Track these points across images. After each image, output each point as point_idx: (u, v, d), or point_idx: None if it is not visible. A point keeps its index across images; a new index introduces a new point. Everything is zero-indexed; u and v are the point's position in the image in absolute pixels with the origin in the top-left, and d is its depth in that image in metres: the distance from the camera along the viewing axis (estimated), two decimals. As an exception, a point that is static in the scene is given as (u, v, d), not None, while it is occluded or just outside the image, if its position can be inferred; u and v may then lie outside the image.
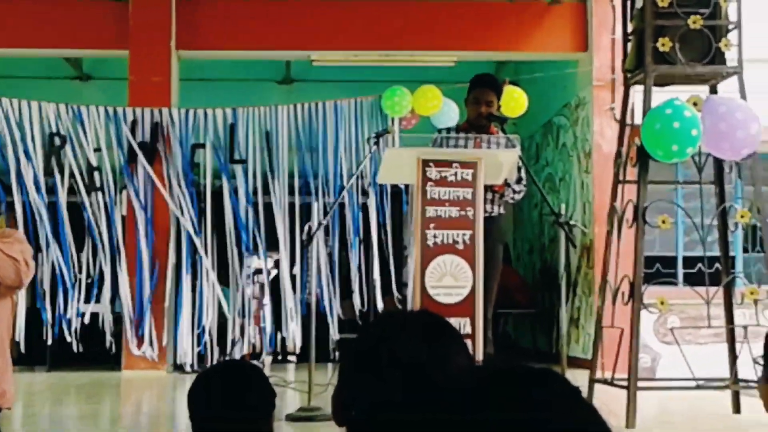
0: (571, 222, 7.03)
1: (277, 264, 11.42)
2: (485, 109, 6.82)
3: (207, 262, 10.22)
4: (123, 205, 10.31)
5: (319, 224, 7.11)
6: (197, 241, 10.22)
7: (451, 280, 5.72)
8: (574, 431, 1.17)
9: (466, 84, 7.16)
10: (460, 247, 5.78)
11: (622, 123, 6.55)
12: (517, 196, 6.92)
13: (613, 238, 6.23)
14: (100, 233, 10.24)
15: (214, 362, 10.07)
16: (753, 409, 5.97)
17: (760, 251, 6.77)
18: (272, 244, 10.54)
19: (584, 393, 1.20)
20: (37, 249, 9.69)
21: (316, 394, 6.46)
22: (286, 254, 10.36)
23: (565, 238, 6.62)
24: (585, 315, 10.58)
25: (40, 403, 8.20)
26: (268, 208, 10.37)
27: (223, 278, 10.52)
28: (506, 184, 6.73)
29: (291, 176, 10.48)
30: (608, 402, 5.70)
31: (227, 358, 10.04)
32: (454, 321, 5.23)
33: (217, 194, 10.41)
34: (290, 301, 10.25)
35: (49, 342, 10.26)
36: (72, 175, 10.29)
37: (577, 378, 1.22)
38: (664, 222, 5.89)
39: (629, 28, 6.44)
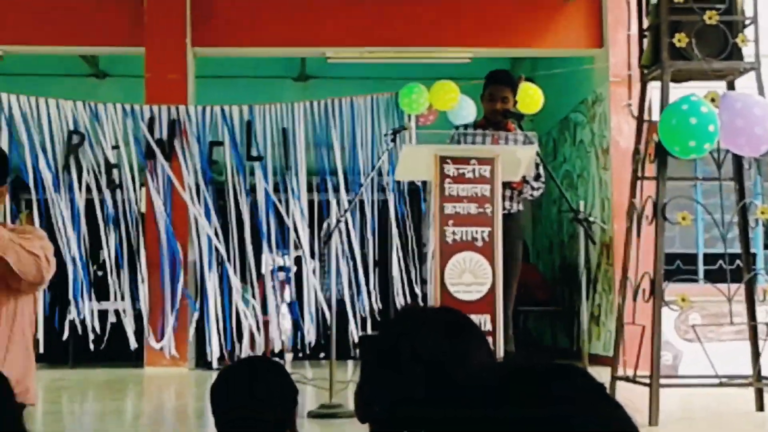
0: (590, 219, 7.01)
1: (297, 261, 11.43)
2: (500, 105, 6.81)
3: (226, 260, 10.24)
4: (142, 202, 10.34)
5: (338, 221, 7.10)
6: (216, 242, 10.23)
7: (470, 277, 5.71)
8: (599, 427, 1.16)
9: (482, 80, 7.15)
10: (479, 244, 5.77)
11: (640, 119, 6.52)
12: (536, 193, 6.91)
13: (632, 234, 6.20)
14: (119, 230, 10.28)
15: (236, 359, 10.10)
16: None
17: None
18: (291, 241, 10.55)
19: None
20: (56, 247, 9.71)
21: (337, 391, 6.47)
22: (307, 251, 10.38)
23: (584, 235, 6.60)
24: (605, 312, 10.55)
25: (63, 400, 8.24)
26: (287, 205, 10.39)
27: (244, 275, 10.53)
28: (524, 180, 6.71)
29: (308, 173, 10.49)
30: (631, 399, 5.66)
31: (249, 354, 10.05)
32: (474, 318, 5.22)
33: (237, 191, 10.43)
34: (311, 298, 10.29)
35: (64, 338, 10.30)
36: (90, 172, 10.33)
37: (599, 375, 1.21)
38: (684, 219, 5.86)
39: (645, 24, 6.41)
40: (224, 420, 2.62)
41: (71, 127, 10.37)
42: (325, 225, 7.89)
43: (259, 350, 10.39)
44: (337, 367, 6.83)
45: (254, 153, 10.44)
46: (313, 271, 10.40)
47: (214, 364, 10.08)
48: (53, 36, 10.78)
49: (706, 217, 7.83)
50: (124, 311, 10.35)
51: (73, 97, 10.66)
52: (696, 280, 8.44)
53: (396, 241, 10.30)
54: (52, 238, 9.86)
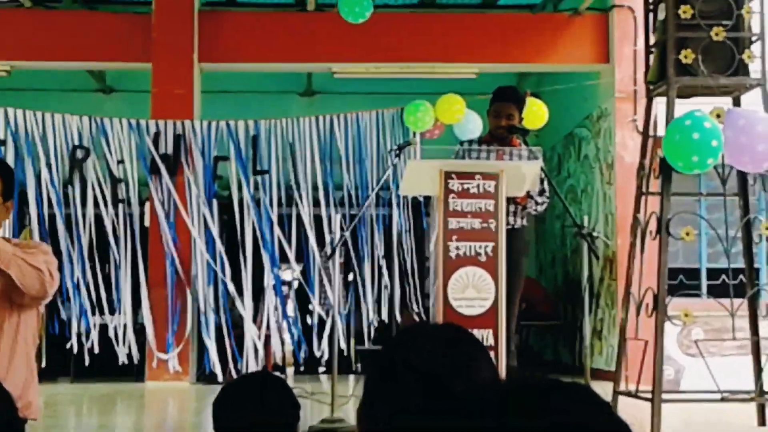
0: (594, 233, 7.01)
1: (301, 275, 11.45)
2: (505, 122, 6.81)
3: (226, 276, 10.24)
4: (146, 217, 10.36)
5: (342, 236, 7.11)
6: (208, 257, 10.24)
7: (473, 291, 5.71)
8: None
9: (488, 95, 7.16)
10: (483, 259, 5.77)
11: (645, 134, 6.53)
12: (540, 208, 6.91)
13: (636, 249, 6.20)
14: (123, 245, 10.29)
15: (234, 373, 10.10)
16: (778, 422, 5.94)
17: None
18: (296, 256, 10.57)
19: (608, 406, 1.20)
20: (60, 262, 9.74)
21: (338, 406, 6.46)
22: (313, 265, 10.40)
23: (587, 250, 6.60)
24: (608, 327, 10.53)
25: (64, 414, 8.23)
26: (291, 219, 10.41)
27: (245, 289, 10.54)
28: (529, 196, 6.72)
29: (314, 188, 10.51)
30: (633, 414, 5.67)
31: (250, 369, 10.05)
32: (476, 333, 5.22)
33: (242, 206, 10.45)
34: (314, 313, 10.32)
35: (68, 347, 10.30)
36: (95, 186, 10.35)
37: (601, 390, 1.22)
38: (687, 234, 5.87)
39: (651, 40, 6.42)
40: (227, 435, 2.63)
41: (77, 142, 10.40)
42: (328, 239, 7.89)
43: (260, 364, 10.38)
44: (339, 381, 6.83)
45: (260, 167, 10.45)
46: (319, 285, 10.42)
47: (219, 377, 10.07)
48: (61, 51, 10.83)
49: (709, 232, 7.83)
50: (125, 326, 10.34)
51: (80, 112, 10.70)
52: (699, 295, 8.45)
53: (399, 255, 10.31)
54: (55, 252, 9.89)
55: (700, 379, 7.06)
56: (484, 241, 5.79)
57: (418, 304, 10.34)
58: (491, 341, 5.58)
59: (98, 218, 10.33)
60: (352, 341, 10.39)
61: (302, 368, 12.75)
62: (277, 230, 10.35)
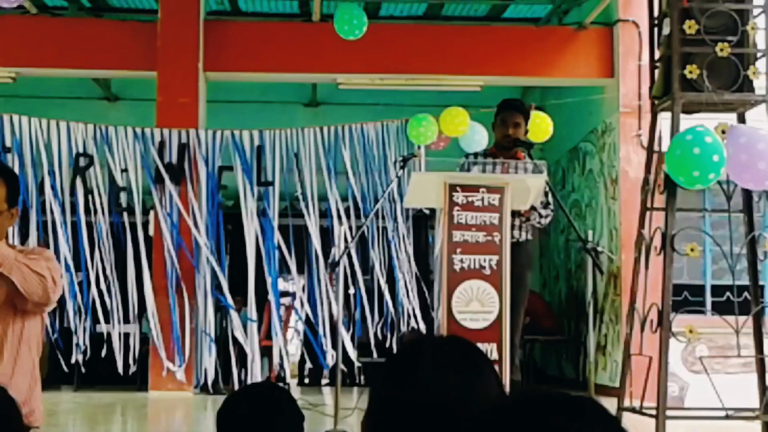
0: (598, 248, 6.99)
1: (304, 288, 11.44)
2: (513, 131, 6.80)
3: (224, 285, 10.23)
4: (151, 225, 10.35)
5: (346, 247, 7.10)
6: (215, 266, 10.24)
7: (477, 305, 5.70)
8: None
9: (492, 108, 7.16)
10: (487, 272, 5.76)
11: (650, 150, 6.52)
12: (544, 221, 6.89)
13: (640, 265, 6.18)
14: (127, 254, 10.29)
15: (237, 384, 10.10)
16: (782, 439, 5.91)
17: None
18: (298, 267, 10.56)
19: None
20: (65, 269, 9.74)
21: (342, 418, 6.44)
22: (320, 277, 10.40)
23: (592, 265, 6.58)
24: (612, 342, 10.51)
25: (67, 423, 8.21)
26: (293, 230, 10.40)
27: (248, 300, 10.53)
28: (532, 208, 6.70)
29: (319, 199, 10.50)
30: (637, 430, 5.64)
31: (253, 380, 10.03)
32: (481, 346, 5.20)
33: (247, 216, 10.44)
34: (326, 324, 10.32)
35: (73, 360, 10.29)
36: (98, 194, 10.35)
37: (606, 406, 1.21)
38: (692, 250, 5.84)
39: (656, 55, 6.41)
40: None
41: (81, 150, 10.40)
42: (333, 251, 7.84)
43: (262, 375, 10.37)
44: (342, 393, 6.81)
45: (264, 178, 10.45)
46: (325, 297, 10.41)
47: (209, 389, 10.06)
48: (66, 59, 10.84)
49: (714, 248, 7.81)
50: (127, 335, 10.33)
51: (85, 119, 10.71)
52: (703, 312, 8.42)
53: (404, 267, 10.29)
54: (58, 260, 9.89)
55: (704, 396, 7.03)
56: (488, 255, 5.78)
57: (419, 318, 10.32)
58: (495, 355, 5.56)
59: (101, 226, 10.32)
60: (353, 354, 10.35)
61: (306, 380, 12.74)
62: (279, 240, 10.33)
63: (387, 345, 10.36)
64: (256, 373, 10.30)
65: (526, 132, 7.11)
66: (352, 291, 10.32)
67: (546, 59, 11.07)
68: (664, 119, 6.33)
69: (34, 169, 10.28)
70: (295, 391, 10.77)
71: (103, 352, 10.19)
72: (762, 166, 5.56)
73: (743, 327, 5.96)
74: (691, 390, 9.61)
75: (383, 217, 10.39)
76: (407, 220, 10.31)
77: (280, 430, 2.60)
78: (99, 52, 10.83)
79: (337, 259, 7.06)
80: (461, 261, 5.76)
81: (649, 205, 6.30)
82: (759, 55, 6.11)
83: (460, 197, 5.84)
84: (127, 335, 10.35)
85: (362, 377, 11.06)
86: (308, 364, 10.87)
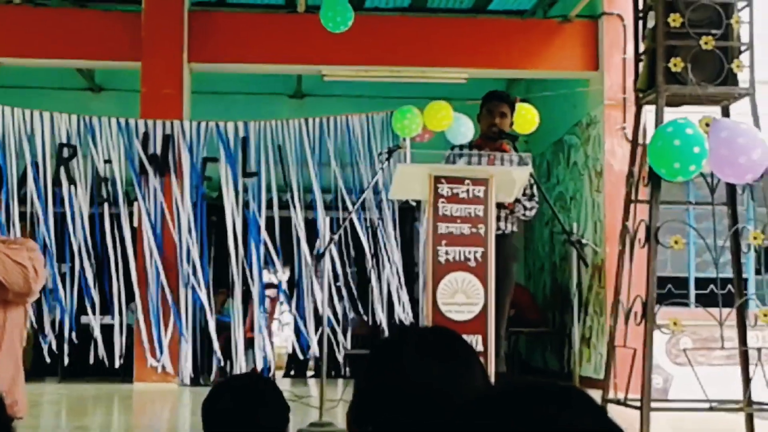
0: (583, 241, 7.00)
1: (291, 279, 11.44)
2: (499, 120, 6.81)
3: (201, 278, 10.19)
4: (135, 217, 10.31)
5: (330, 240, 7.10)
6: (196, 260, 10.21)
7: (463, 297, 5.70)
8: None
9: (477, 101, 7.16)
10: (472, 264, 5.76)
11: (634, 142, 6.53)
12: (530, 213, 6.90)
13: (625, 257, 6.19)
14: (111, 245, 10.24)
15: (219, 376, 10.09)
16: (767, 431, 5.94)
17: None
18: (284, 259, 10.56)
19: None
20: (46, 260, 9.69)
21: (327, 410, 6.45)
22: (305, 269, 10.39)
23: (576, 257, 6.60)
24: (596, 334, 10.54)
25: (51, 414, 8.19)
26: (276, 221, 10.38)
27: (233, 292, 10.51)
28: (517, 200, 6.71)
29: (302, 191, 10.49)
30: (621, 422, 5.64)
31: (235, 372, 10.03)
32: (466, 338, 5.20)
33: (231, 207, 10.41)
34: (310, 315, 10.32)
35: (40, 351, 10.24)
36: (81, 185, 10.30)
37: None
38: (676, 242, 5.86)
39: (641, 48, 6.42)
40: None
41: (64, 140, 10.35)
42: (317, 243, 7.88)
43: (245, 366, 10.36)
44: (327, 385, 6.81)
45: (249, 169, 10.43)
46: (309, 288, 10.40)
47: (186, 381, 10.05)
48: (50, 49, 10.79)
49: (698, 241, 7.84)
50: (111, 326, 10.29)
51: (68, 110, 10.66)
52: (687, 304, 8.45)
53: (388, 259, 10.29)
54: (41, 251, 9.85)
55: (688, 388, 7.06)
56: (473, 247, 5.78)
57: (406, 308, 10.32)
58: (480, 347, 5.57)
59: (84, 217, 10.28)
60: (341, 345, 10.35)
61: (292, 372, 12.73)
62: (263, 233, 10.32)
63: (372, 337, 10.36)
64: (242, 365, 10.30)
65: (512, 124, 7.12)
66: (341, 282, 10.31)
67: (531, 52, 11.07)
68: (649, 112, 6.34)
69: (17, 160, 10.22)
70: (284, 383, 10.77)
71: (84, 345, 10.15)
72: (742, 160, 5.58)
73: (727, 319, 5.99)
74: (676, 382, 9.64)
75: (374, 209, 10.38)
76: (393, 212, 10.30)
77: (265, 421, 2.60)
78: (83, 43, 10.78)
79: (322, 250, 7.05)
80: (446, 253, 5.76)
81: (633, 197, 6.31)
82: (743, 48, 6.13)
83: (445, 189, 5.84)
84: (111, 327, 10.31)
85: (347, 369, 11.05)
86: (299, 355, 10.84)
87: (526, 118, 9.14)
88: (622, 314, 6.04)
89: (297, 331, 10.64)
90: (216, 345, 10.36)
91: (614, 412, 5.96)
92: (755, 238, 5.99)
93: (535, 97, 11.26)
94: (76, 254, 10.17)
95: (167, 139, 10.37)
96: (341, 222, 8.65)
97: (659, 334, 5.96)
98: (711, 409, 5.92)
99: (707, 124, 5.74)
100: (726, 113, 6.28)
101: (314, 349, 10.35)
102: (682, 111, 6.19)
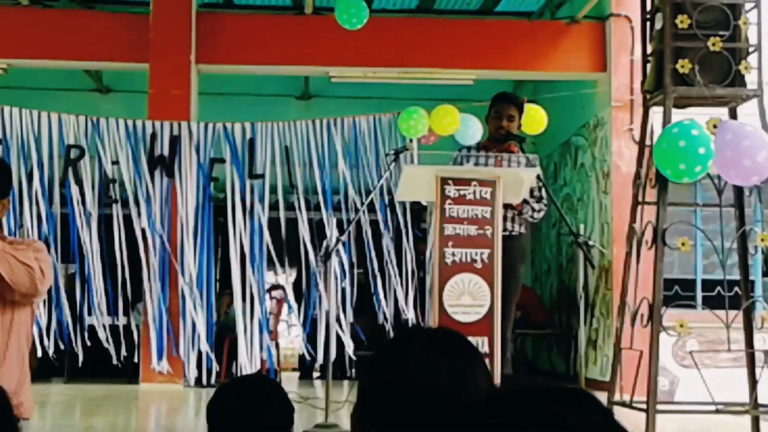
0: (590, 242, 6.99)
1: (297, 280, 11.44)
2: (506, 123, 6.81)
3: (189, 280, 10.19)
4: (142, 218, 10.32)
5: (337, 241, 7.10)
6: (202, 259, 10.22)
7: (469, 298, 5.70)
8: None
9: (485, 102, 7.16)
10: (479, 265, 5.76)
11: (642, 144, 6.52)
12: (537, 215, 6.89)
13: (632, 259, 6.18)
14: (118, 246, 10.25)
15: (222, 377, 10.09)
16: (772, 434, 5.93)
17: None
18: (290, 260, 10.55)
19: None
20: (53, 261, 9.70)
21: (332, 411, 6.44)
22: (309, 270, 10.40)
23: (583, 259, 6.59)
24: (603, 336, 10.52)
25: (57, 414, 8.20)
26: (282, 222, 10.39)
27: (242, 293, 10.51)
28: (524, 201, 6.71)
29: (309, 192, 10.49)
30: (627, 425, 5.63)
31: (242, 373, 10.02)
32: (471, 340, 5.20)
33: (241, 209, 10.42)
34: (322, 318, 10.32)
35: (46, 352, 10.25)
36: (89, 187, 10.31)
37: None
38: (683, 244, 5.85)
39: (648, 49, 6.41)
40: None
41: (72, 141, 10.36)
42: (324, 244, 7.82)
43: (254, 368, 10.36)
44: (333, 386, 6.81)
45: (255, 171, 10.43)
46: (316, 290, 10.41)
47: (192, 381, 10.05)
48: (58, 50, 10.81)
49: (705, 243, 7.83)
50: (118, 327, 10.30)
51: (76, 111, 10.68)
52: (694, 306, 8.43)
53: (395, 261, 10.29)
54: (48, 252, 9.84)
55: (694, 390, 7.05)
56: (480, 248, 5.78)
57: (411, 311, 10.32)
58: (486, 349, 5.57)
59: (92, 218, 10.29)
60: (347, 347, 10.35)
61: (298, 373, 12.73)
62: (267, 235, 10.32)
63: (379, 338, 10.34)
64: (248, 367, 10.29)
65: (520, 126, 7.12)
66: (348, 283, 10.31)
67: (538, 53, 11.07)
68: (657, 113, 6.33)
69: (25, 161, 10.24)
70: (285, 384, 10.75)
71: (98, 345, 10.16)
72: (747, 163, 5.56)
73: (733, 321, 5.98)
74: (682, 384, 9.62)
75: (381, 210, 10.37)
76: (405, 213, 10.28)
77: (270, 422, 2.59)
78: (91, 44, 10.79)
79: (329, 251, 7.05)
80: (453, 254, 5.76)
81: (640, 199, 6.31)
82: (751, 49, 6.12)
83: (452, 190, 5.84)
84: (118, 327, 10.32)
85: (353, 371, 11.04)
86: (307, 357, 10.84)
87: (535, 119, 9.13)
88: (629, 316, 6.03)
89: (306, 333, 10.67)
90: (208, 347, 10.34)
91: (620, 414, 5.95)
92: (763, 239, 5.97)
93: (543, 99, 11.25)
94: (85, 255, 10.17)
95: (174, 140, 10.38)
96: (349, 223, 8.65)
97: (665, 336, 5.95)
98: (717, 411, 5.91)
99: (714, 126, 5.73)
100: (733, 115, 6.26)
101: (320, 355, 10.35)
102: (690, 113, 6.18)
